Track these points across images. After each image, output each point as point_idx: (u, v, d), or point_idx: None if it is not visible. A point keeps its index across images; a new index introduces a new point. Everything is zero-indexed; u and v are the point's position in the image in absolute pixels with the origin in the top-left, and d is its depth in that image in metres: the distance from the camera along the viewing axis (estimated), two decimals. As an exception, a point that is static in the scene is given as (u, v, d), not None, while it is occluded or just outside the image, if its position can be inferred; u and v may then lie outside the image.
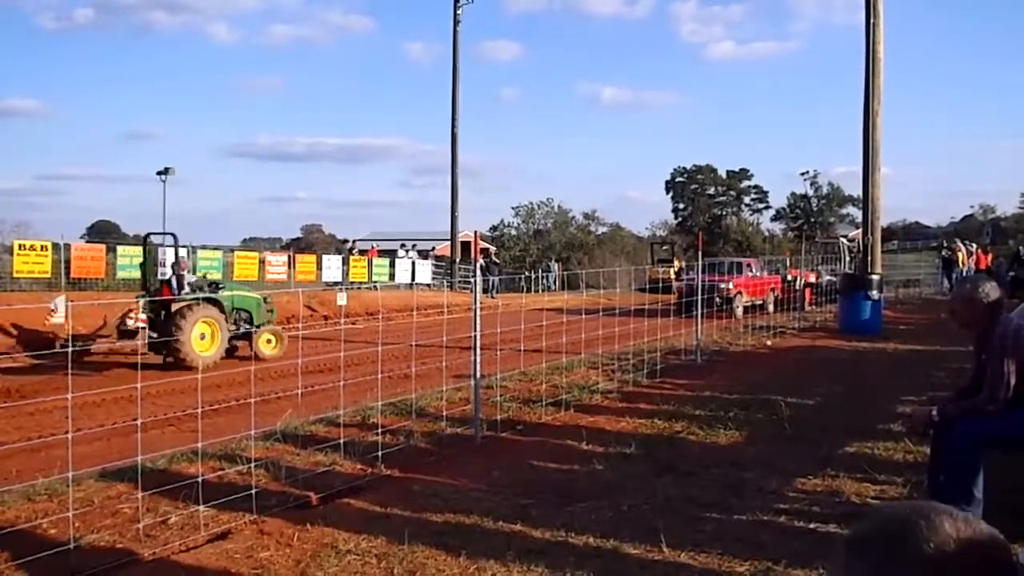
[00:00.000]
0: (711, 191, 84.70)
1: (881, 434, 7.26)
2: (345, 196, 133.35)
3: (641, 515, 5.22)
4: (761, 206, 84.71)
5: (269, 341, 14.80)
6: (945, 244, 35.68)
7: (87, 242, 33.68)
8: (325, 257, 31.72)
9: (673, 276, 30.53)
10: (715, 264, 23.96)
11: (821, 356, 13.61)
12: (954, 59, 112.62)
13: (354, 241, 43.08)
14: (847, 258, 28.34)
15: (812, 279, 23.98)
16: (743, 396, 9.19)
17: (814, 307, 22.05)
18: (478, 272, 8.51)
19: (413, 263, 34.75)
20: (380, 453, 6.53)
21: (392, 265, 33.54)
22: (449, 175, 34.58)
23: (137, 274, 24.26)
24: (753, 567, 4.33)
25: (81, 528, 5.00)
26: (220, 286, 15.83)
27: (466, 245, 37.67)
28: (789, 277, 24.12)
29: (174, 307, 13.65)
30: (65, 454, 5.07)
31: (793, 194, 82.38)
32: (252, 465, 5.99)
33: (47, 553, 4.50)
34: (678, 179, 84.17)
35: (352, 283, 28.97)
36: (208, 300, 14.46)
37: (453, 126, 33.80)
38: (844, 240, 31.75)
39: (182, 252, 16.41)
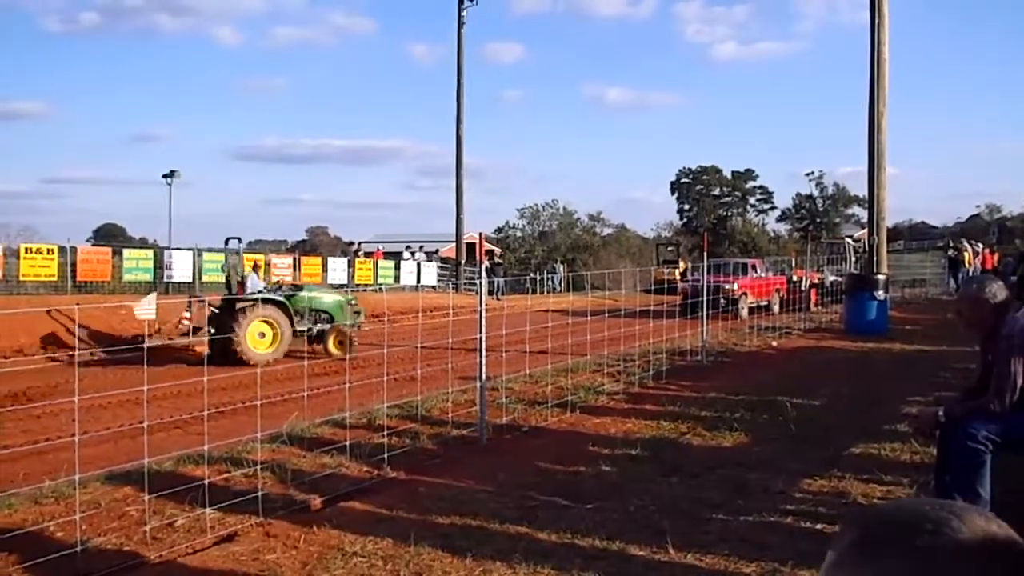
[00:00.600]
0: (716, 192, 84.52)
1: (887, 435, 7.24)
2: (350, 198, 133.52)
3: (647, 516, 5.21)
4: (766, 207, 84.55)
5: (341, 342, 14.85)
6: (951, 244, 35.55)
7: (93, 245, 33.74)
8: (330, 259, 31.78)
9: (678, 277, 30.51)
10: (720, 265, 23.93)
11: (827, 357, 13.58)
12: (960, 59, 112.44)
13: (359, 243, 43.10)
14: (853, 258, 28.30)
15: (817, 279, 23.94)
16: (749, 397, 9.17)
17: (819, 308, 22.02)
18: (483, 274, 8.50)
19: (418, 265, 34.81)
20: (386, 455, 6.54)
21: (397, 267, 33.58)
22: (454, 177, 34.62)
23: (143, 276, 24.44)
24: (759, 568, 4.33)
25: (88, 531, 5.01)
26: (298, 288, 16.41)
27: (471, 247, 37.63)
28: (794, 278, 24.08)
29: (237, 306, 14.54)
30: (72, 457, 5.08)
31: (798, 194, 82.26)
32: (258, 467, 6.00)
33: (54, 556, 4.51)
34: (683, 180, 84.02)
35: (357, 285, 28.99)
36: (270, 301, 14.83)
37: (458, 128, 33.80)
38: (850, 240, 31.74)
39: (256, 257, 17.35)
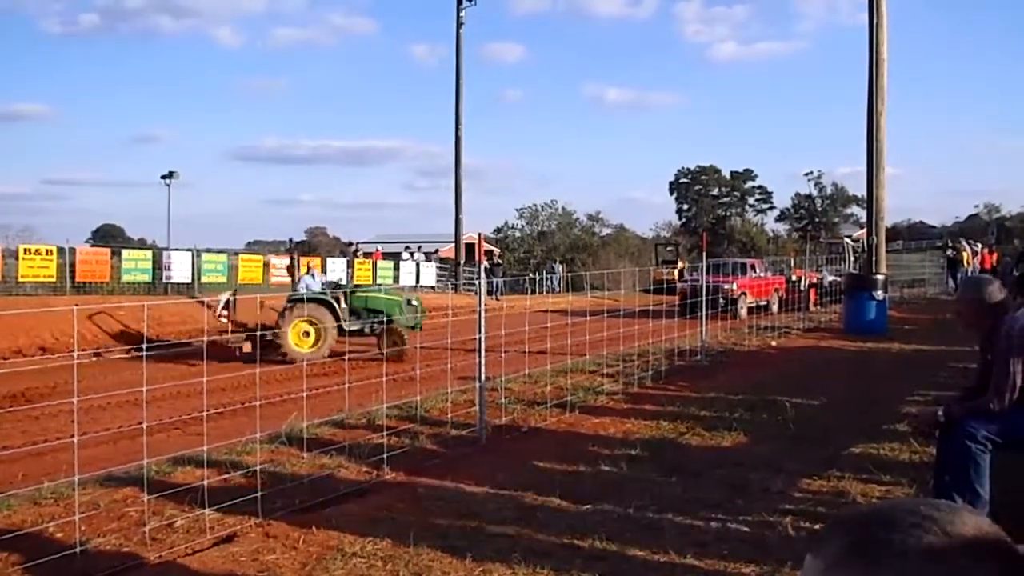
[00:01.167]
0: (715, 192, 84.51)
1: (887, 434, 7.24)
2: (349, 198, 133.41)
3: (646, 516, 5.21)
4: (765, 207, 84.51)
5: (395, 342, 14.80)
6: (950, 244, 35.58)
7: (92, 246, 33.74)
8: (329, 260, 31.76)
9: (676, 277, 30.51)
10: (719, 265, 23.94)
11: (826, 356, 13.59)
12: (958, 58, 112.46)
13: (358, 244, 43.00)
14: (851, 258, 28.31)
15: (815, 279, 23.95)
16: (748, 397, 9.18)
17: (819, 307, 22.02)
18: (482, 274, 8.51)
19: (417, 265, 34.82)
20: (385, 456, 6.54)
21: (396, 267, 33.57)
22: (453, 177, 34.61)
23: (142, 277, 24.44)
24: (758, 568, 4.33)
25: (87, 532, 5.01)
26: (352, 287, 16.82)
27: (470, 247, 37.71)
28: (793, 278, 24.08)
29: (283, 305, 14.94)
30: (71, 458, 5.08)
31: (797, 194, 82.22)
32: (257, 468, 5.99)
33: (53, 557, 4.51)
34: (682, 180, 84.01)
35: (358, 286, 28.96)
36: (316, 300, 14.85)
37: (457, 128, 33.80)
38: (848, 240, 31.75)
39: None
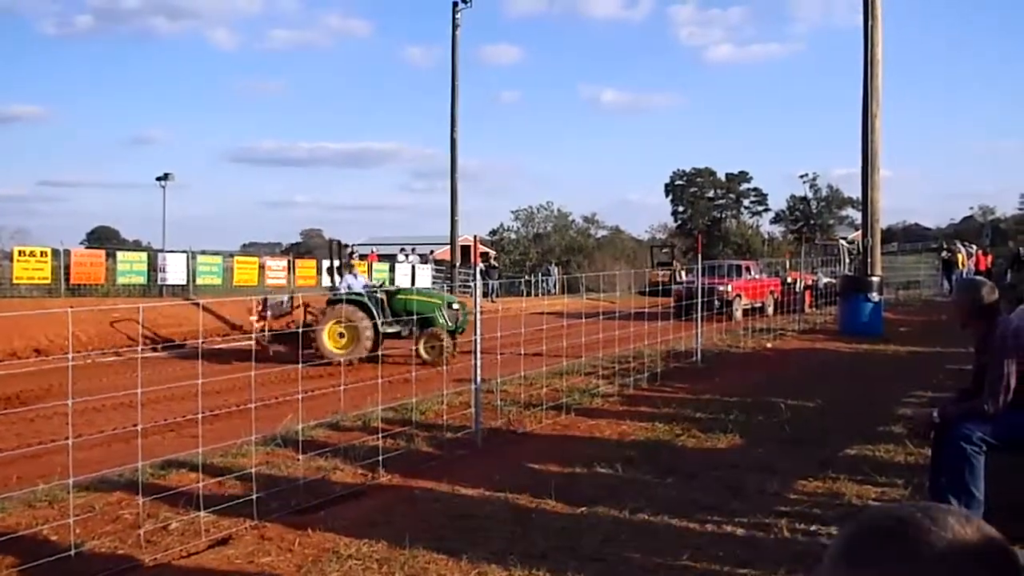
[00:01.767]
0: (710, 194, 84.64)
1: (882, 436, 7.26)
2: (345, 200, 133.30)
3: (642, 518, 5.21)
4: (760, 208, 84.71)
5: (432, 346, 14.67)
6: (945, 246, 35.64)
7: (87, 248, 33.65)
8: (325, 262, 31.69)
9: (671, 278, 30.52)
10: (714, 267, 23.96)
11: (821, 358, 13.61)
12: (953, 60, 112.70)
13: (353, 246, 42.62)
14: (847, 260, 28.36)
15: (810, 281, 23.98)
16: (743, 399, 9.18)
17: (814, 309, 22.05)
18: (478, 276, 8.51)
19: (413, 267, 34.81)
20: (381, 458, 6.53)
21: (392, 269, 33.56)
22: (449, 179, 34.58)
23: (137, 279, 24.40)
24: (754, 570, 4.33)
25: (82, 534, 4.99)
26: (394, 289, 16.58)
27: (466, 249, 37.63)
28: (789, 279, 24.12)
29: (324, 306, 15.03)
30: (66, 460, 5.07)
31: (792, 196, 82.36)
32: (253, 470, 5.98)
33: (48, 559, 4.50)
34: (677, 182, 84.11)
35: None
36: (355, 302, 14.80)
37: (452, 130, 33.74)
38: (844, 242, 31.78)
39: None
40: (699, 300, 12.91)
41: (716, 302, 20.12)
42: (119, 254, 25.59)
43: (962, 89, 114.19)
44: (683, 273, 29.24)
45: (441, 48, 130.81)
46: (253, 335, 13.92)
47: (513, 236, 70.34)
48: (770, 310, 22.53)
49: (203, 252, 29.12)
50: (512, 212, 73.31)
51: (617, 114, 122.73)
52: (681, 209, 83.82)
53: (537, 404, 8.84)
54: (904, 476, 5.99)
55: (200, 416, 6.22)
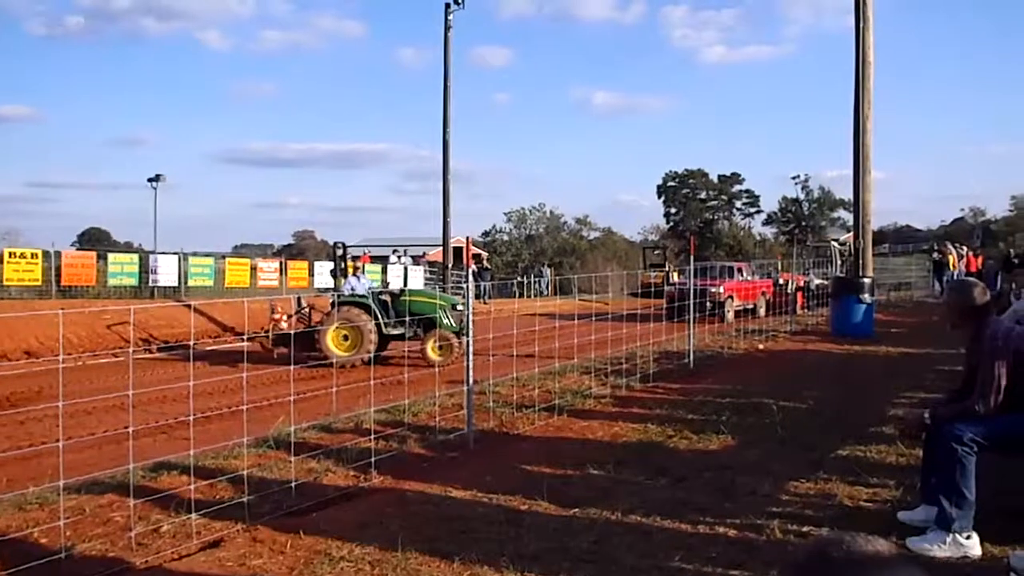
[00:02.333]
0: (703, 195, 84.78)
1: (873, 437, 7.28)
2: (337, 202, 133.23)
3: (634, 519, 5.22)
4: (752, 210, 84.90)
5: (439, 347, 14.66)
6: (936, 247, 35.79)
7: (78, 249, 33.54)
8: (317, 263, 31.67)
9: (663, 280, 30.55)
10: (706, 268, 24.00)
11: (813, 359, 13.64)
12: (944, 62, 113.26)
13: (346, 247, 42.38)
14: (838, 261, 28.43)
15: (802, 283, 24.03)
16: (736, 400, 9.20)
17: (806, 311, 22.10)
18: (470, 278, 8.50)
19: (405, 269, 34.75)
20: (373, 459, 6.52)
21: (384, 271, 33.49)
22: (441, 180, 34.55)
23: (128, 281, 24.30)
24: (747, 572, 4.34)
25: (72, 537, 4.97)
26: (397, 290, 16.56)
27: (458, 251, 37.64)
28: (781, 281, 24.17)
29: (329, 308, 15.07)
30: (56, 462, 5.04)
31: (784, 198, 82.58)
32: (245, 473, 5.97)
33: (38, 562, 4.48)
34: (670, 183, 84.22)
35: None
36: (359, 304, 14.81)
37: (445, 132, 33.71)
38: (835, 244, 31.86)
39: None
40: (691, 301, 12.92)
41: (708, 303, 20.15)
42: (110, 256, 25.45)
43: (953, 91, 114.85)
44: (675, 275, 29.30)
45: (433, 50, 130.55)
46: (269, 334, 13.98)
47: (505, 238, 70.47)
48: (762, 311, 22.60)
49: (195, 254, 29.05)
50: (505, 214, 73.48)
51: (609, 116, 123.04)
52: (673, 211, 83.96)
53: (529, 406, 8.84)
54: (895, 477, 6.01)
55: (192, 418, 6.21)
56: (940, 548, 4.44)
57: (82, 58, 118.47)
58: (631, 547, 4.71)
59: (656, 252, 45.00)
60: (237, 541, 4.96)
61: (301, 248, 72.73)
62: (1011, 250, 29.22)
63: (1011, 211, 69.53)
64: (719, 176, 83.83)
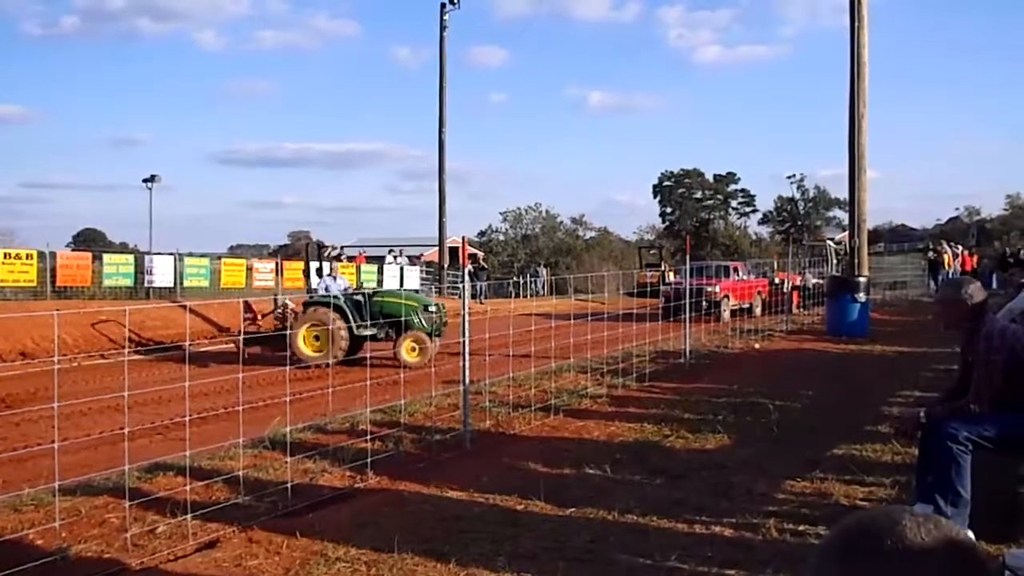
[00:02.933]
0: (698, 195, 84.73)
1: (869, 436, 7.29)
2: (333, 202, 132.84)
3: (631, 519, 5.22)
4: (748, 209, 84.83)
5: (413, 349, 14.52)
6: (931, 246, 35.86)
7: (73, 250, 33.47)
8: (313, 264, 31.63)
9: (659, 280, 30.57)
10: (702, 268, 24.03)
11: (809, 358, 13.65)
12: (939, 61, 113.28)
13: (332, 246, 41.79)
14: (834, 261, 28.46)
15: (797, 282, 24.06)
16: (731, 399, 9.21)
17: (801, 310, 22.12)
18: (466, 278, 8.50)
19: (401, 269, 34.73)
20: (369, 460, 6.52)
21: (380, 271, 33.49)
22: (437, 180, 34.58)
23: (124, 282, 24.27)
24: (743, 571, 4.34)
25: (68, 538, 4.97)
26: (371, 292, 16.44)
27: (454, 251, 37.65)
28: (776, 280, 24.19)
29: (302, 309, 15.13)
30: (52, 464, 5.04)
31: (780, 197, 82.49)
32: (240, 473, 5.96)
33: (33, 564, 4.47)
34: (665, 183, 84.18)
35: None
36: (327, 304, 14.73)
37: (440, 132, 33.76)
38: (831, 243, 31.89)
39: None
40: (687, 301, 12.93)
41: (704, 303, 20.17)
42: (105, 256, 25.41)
43: (948, 90, 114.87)
44: (671, 274, 29.32)
45: (429, 49, 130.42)
46: (240, 335, 13.96)
47: (501, 237, 70.49)
48: (758, 311, 22.61)
49: (190, 254, 29.01)
50: (500, 213, 73.44)
51: (605, 115, 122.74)
52: (669, 210, 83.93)
53: (526, 405, 8.84)
54: (891, 476, 6.02)
55: (187, 419, 6.20)
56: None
57: (77, 58, 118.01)
58: (628, 547, 4.72)
59: (652, 252, 45.03)
60: (233, 542, 4.96)
61: (297, 248, 72.61)
62: (1007, 249, 29.27)
63: (1006, 210, 69.66)
64: (715, 175, 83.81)
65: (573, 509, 5.44)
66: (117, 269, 24.51)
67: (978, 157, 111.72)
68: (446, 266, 34.59)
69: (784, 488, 5.90)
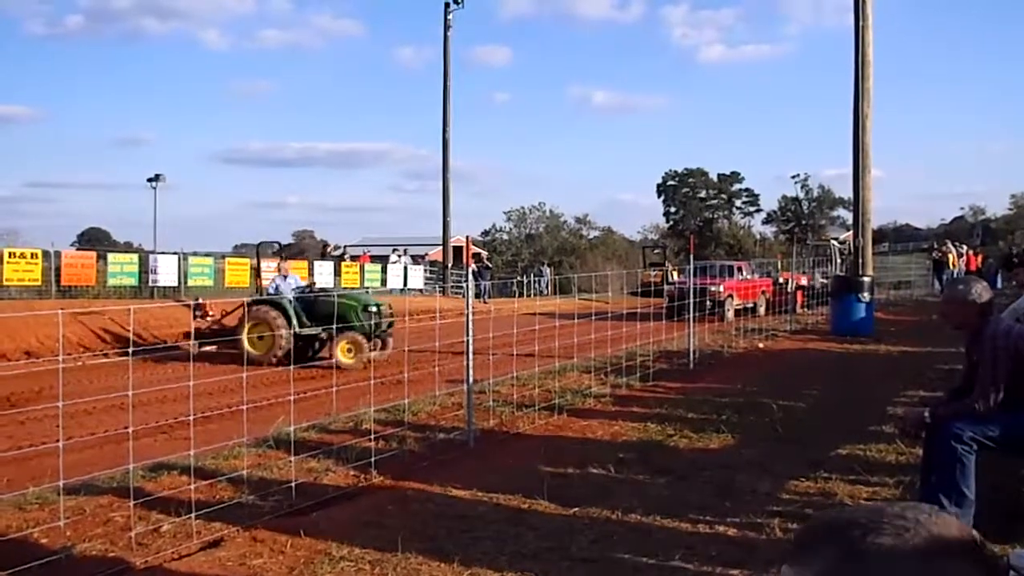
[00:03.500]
0: (702, 194, 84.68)
1: (873, 436, 7.28)
2: (337, 201, 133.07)
3: (634, 519, 5.22)
4: (752, 209, 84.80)
5: (349, 350, 14.37)
6: (936, 246, 35.81)
7: (77, 249, 33.52)
8: (316, 263, 31.65)
9: (663, 279, 30.54)
10: (706, 267, 24.01)
11: (813, 358, 13.64)
12: (943, 61, 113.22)
13: (336, 246, 41.79)
14: (838, 260, 28.43)
15: (804, 282, 24.02)
16: (735, 399, 9.20)
17: (805, 310, 22.10)
18: (470, 277, 8.50)
19: (405, 268, 34.72)
20: (373, 459, 6.52)
21: (384, 271, 33.49)
22: (441, 180, 34.59)
23: (128, 281, 24.30)
24: (747, 571, 4.34)
25: (72, 537, 4.98)
26: (311, 289, 16.48)
27: (458, 250, 37.62)
28: (780, 280, 24.16)
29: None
30: (56, 463, 5.04)
31: (784, 197, 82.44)
32: (245, 472, 5.97)
33: (38, 562, 4.48)
34: (669, 182, 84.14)
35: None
36: (268, 303, 14.87)
37: (445, 131, 33.76)
38: (835, 242, 31.87)
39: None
40: (691, 300, 12.92)
41: (708, 302, 20.15)
42: (110, 255, 25.40)
43: (953, 89, 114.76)
44: (675, 274, 29.30)
45: (433, 49, 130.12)
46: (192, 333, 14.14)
47: (505, 237, 70.48)
48: (762, 310, 22.59)
49: (194, 253, 29.03)
50: (504, 213, 73.49)
51: (608, 115, 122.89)
52: (673, 210, 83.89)
53: (529, 405, 8.85)
54: (895, 476, 6.01)
55: (192, 418, 6.20)
56: (940, 547, 4.43)
57: (82, 58, 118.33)
58: (631, 546, 4.71)
59: (656, 251, 44.98)
60: (237, 541, 4.97)
61: (301, 248, 72.63)
62: (1012, 248, 29.22)
63: (1011, 209, 69.51)
64: (719, 175, 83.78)
65: (577, 508, 5.44)
66: (121, 268, 24.51)
67: (983, 156, 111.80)
68: (450, 265, 34.59)
69: (788, 488, 5.90)
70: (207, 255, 31.21)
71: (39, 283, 22.45)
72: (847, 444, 7.03)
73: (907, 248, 53.31)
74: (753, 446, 7.18)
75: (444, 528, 5.10)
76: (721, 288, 22.30)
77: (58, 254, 23.66)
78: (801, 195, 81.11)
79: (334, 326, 13.69)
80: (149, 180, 40.09)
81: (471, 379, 7.79)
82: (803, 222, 78.68)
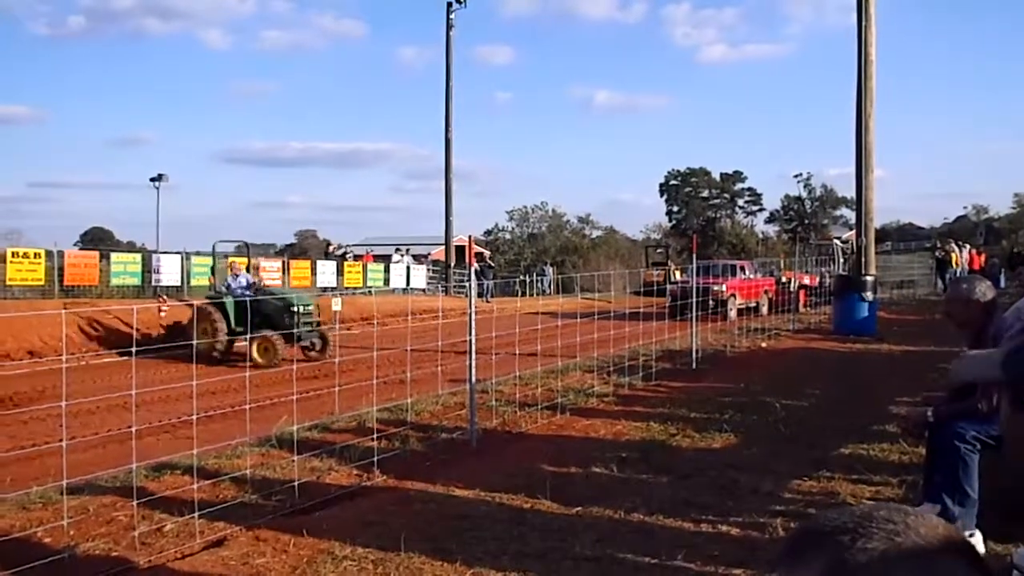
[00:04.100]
0: (705, 194, 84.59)
1: (876, 435, 7.27)
2: (339, 201, 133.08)
3: (637, 518, 5.22)
4: (755, 208, 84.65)
5: (266, 349, 14.46)
6: (939, 245, 35.77)
7: (80, 249, 33.58)
8: (319, 263, 31.67)
9: (665, 278, 30.54)
10: (709, 267, 24.00)
11: (816, 357, 13.63)
12: (946, 60, 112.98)
13: (339, 245, 41.67)
14: (841, 260, 28.40)
15: (807, 281, 23.99)
16: (738, 398, 9.20)
17: (808, 309, 22.08)
18: (473, 276, 8.50)
19: (408, 268, 34.73)
20: (376, 459, 6.53)
21: (387, 270, 33.52)
22: (443, 179, 34.59)
23: (131, 281, 24.33)
24: (749, 570, 4.34)
25: (76, 536, 4.98)
26: (257, 290, 16.56)
27: (461, 249, 37.65)
28: (783, 279, 24.14)
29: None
30: (60, 462, 5.05)
31: (787, 196, 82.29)
32: (248, 472, 5.97)
33: (42, 562, 4.49)
34: (672, 182, 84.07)
35: (347, 288, 28.92)
36: (216, 303, 15.18)
37: (447, 131, 33.75)
38: (838, 242, 31.85)
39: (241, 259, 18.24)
40: (694, 300, 12.92)
41: (711, 302, 20.14)
42: (113, 255, 25.46)
43: (956, 88, 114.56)
44: (677, 273, 29.29)
45: (435, 49, 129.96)
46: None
47: (508, 236, 70.45)
48: (764, 310, 22.58)
49: (197, 253, 29.03)
50: (507, 212, 73.43)
51: (611, 114, 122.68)
52: (676, 209, 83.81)
53: (532, 404, 8.85)
54: (898, 475, 6.01)
55: (195, 417, 6.21)
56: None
57: (84, 58, 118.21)
58: (634, 546, 4.71)
59: (658, 250, 45.03)
60: (240, 540, 4.97)
61: (304, 247, 72.64)
62: (1015, 247, 29.18)
63: (1014, 208, 69.40)
64: (721, 174, 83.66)
65: (579, 508, 5.44)
66: (124, 268, 24.55)
67: (986, 155, 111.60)
68: (453, 265, 34.60)
69: (791, 487, 5.90)
70: (210, 255, 31.18)
71: (42, 283, 22.49)
72: (850, 443, 7.03)
73: (910, 247, 53.22)
74: (756, 446, 7.18)
75: (447, 528, 5.11)
76: (724, 287, 22.29)
77: (61, 254, 23.69)
78: (804, 194, 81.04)
79: (248, 328, 13.37)
80: (152, 180, 40.08)
81: (474, 378, 7.79)
82: (806, 221, 78.57)
